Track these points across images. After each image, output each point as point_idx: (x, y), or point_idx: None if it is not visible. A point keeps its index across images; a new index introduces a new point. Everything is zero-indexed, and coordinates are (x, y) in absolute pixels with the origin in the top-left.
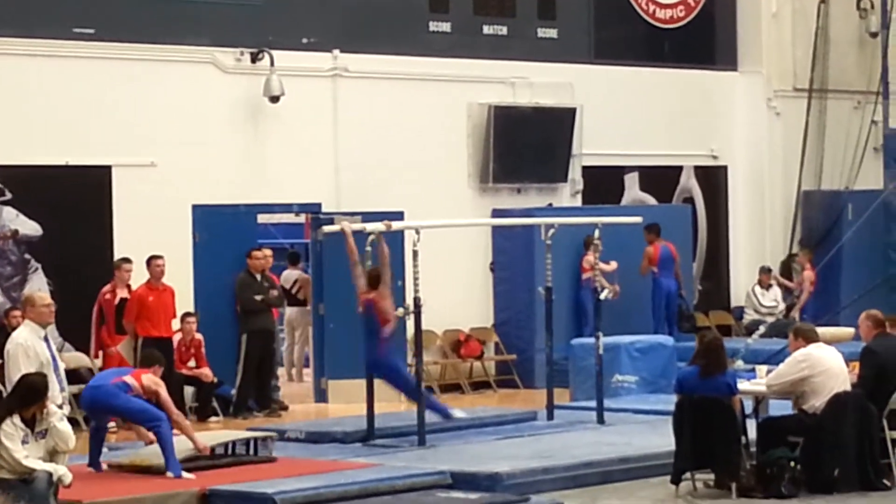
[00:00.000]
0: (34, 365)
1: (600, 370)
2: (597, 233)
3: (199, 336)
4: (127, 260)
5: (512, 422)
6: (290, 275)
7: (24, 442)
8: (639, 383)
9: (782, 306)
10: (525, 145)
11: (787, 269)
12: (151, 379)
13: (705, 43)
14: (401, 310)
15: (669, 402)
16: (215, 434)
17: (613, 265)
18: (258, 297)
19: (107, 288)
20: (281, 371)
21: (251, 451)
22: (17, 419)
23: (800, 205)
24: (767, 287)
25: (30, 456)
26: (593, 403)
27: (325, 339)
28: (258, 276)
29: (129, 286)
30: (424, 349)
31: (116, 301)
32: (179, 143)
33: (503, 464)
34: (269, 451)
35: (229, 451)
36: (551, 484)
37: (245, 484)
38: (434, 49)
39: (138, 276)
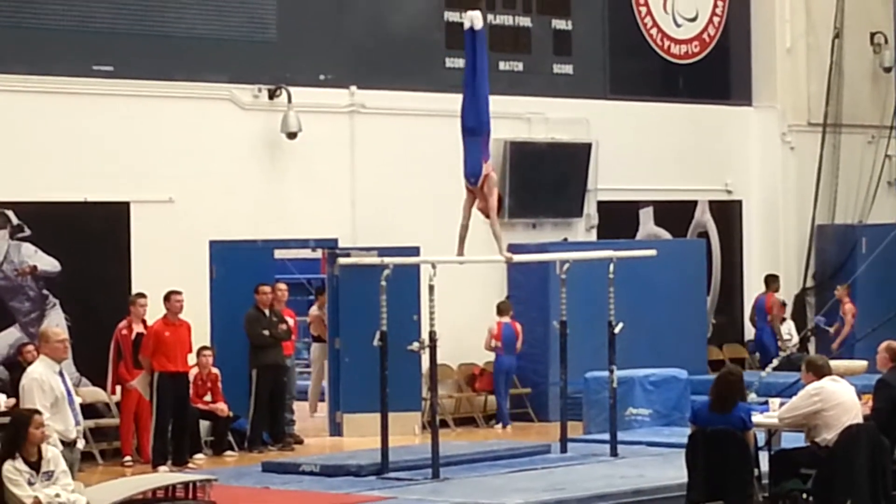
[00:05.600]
0: (49, 399)
1: (614, 403)
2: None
3: (215, 370)
4: (142, 295)
5: (526, 455)
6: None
7: (30, 483)
8: (652, 416)
9: (796, 339)
10: (540, 180)
11: (800, 303)
12: None
13: (720, 78)
14: (416, 344)
15: (683, 434)
16: (154, 477)
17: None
18: (265, 332)
19: (123, 323)
20: (301, 405)
21: (190, 496)
22: (19, 463)
23: (814, 239)
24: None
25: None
26: (607, 436)
27: (340, 373)
28: (266, 311)
29: (144, 321)
30: (439, 383)
31: (133, 336)
32: (197, 179)
33: (517, 497)
34: (207, 495)
35: (169, 495)
36: None
37: None
38: (450, 85)
39: (156, 311)
